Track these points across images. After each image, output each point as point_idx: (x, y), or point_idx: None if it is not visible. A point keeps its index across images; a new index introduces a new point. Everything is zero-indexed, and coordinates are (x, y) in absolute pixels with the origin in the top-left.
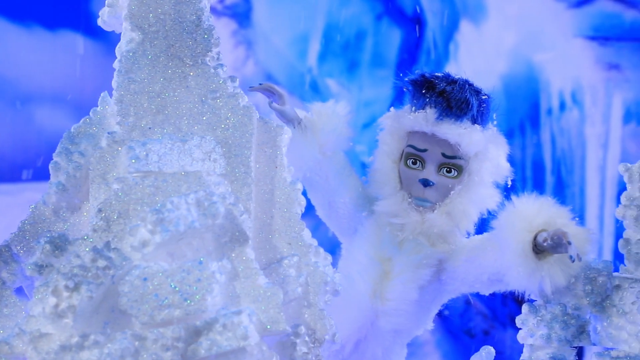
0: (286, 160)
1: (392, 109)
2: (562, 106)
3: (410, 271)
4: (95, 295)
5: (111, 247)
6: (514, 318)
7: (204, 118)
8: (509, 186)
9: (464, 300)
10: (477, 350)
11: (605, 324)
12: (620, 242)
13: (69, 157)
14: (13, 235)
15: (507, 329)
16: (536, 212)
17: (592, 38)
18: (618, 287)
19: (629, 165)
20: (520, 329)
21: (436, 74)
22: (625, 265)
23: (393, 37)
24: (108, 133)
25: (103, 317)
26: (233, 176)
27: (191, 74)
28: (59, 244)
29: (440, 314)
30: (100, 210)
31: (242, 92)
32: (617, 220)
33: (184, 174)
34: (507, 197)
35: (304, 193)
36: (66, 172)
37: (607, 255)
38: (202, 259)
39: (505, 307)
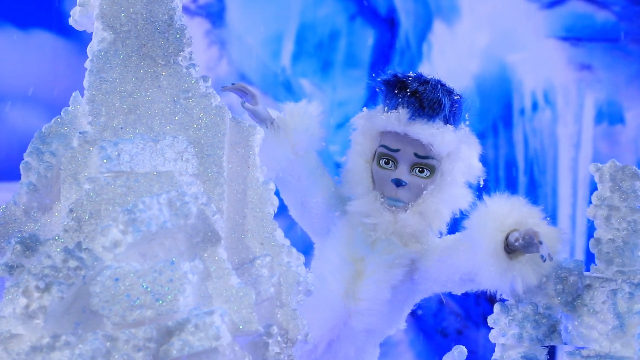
0: (259, 160)
1: (364, 109)
2: (535, 106)
3: (383, 271)
4: (67, 295)
5: (82, 248)
6: (487, 317)
7: (176, 118)
8: (481, 186)
9: (438, 300)
10: (450, 349)
11: (576, 323)
12: (591, 241)
13: (40, 157)
14: None
15: (480, 328)
16: (508, 212)
17: (564, 38)
18: (589, 286)
19: (599, 165)
20: (492, 328)
21: (409, 74)
22: (596, 265)
23: (367, 38)
24: (79, 133)
25: (74, 318)
26: (205, 176)
27: (163, 73)
28: (30, 245)
29: (413, 314)
30: (71, 211)
31: (214, 92)
32: (589, 220)
33: (156, 174)
34: (480, 197)
35: (277, 193)
36: (37, 172)
37: (579, 255)
38: (174, 259)
39: (479, 306)
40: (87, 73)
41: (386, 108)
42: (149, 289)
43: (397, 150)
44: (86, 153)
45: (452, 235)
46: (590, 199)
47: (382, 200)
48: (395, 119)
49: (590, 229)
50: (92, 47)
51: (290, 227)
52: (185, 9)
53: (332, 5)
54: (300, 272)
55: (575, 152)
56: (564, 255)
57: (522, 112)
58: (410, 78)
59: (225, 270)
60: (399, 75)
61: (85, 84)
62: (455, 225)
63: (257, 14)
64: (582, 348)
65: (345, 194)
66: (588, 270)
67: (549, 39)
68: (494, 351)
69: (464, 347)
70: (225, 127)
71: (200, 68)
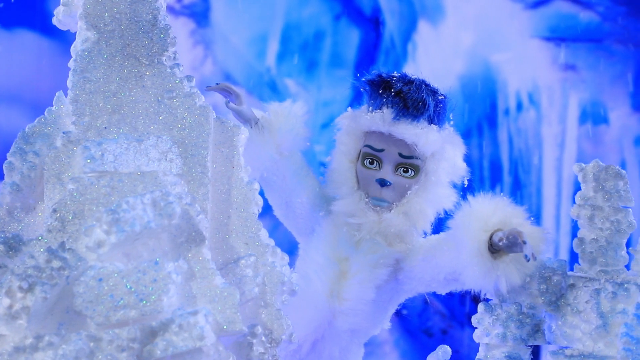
0: (243, 160)
1: (349, 109)
2: (519, 106)
3: (367, 271)
4: (50, 296)
5: (66, 248)
6: (472, 317)
7: (160, 118)
8: (465, 186)
9: (422, 299)
10: (435, 349)
11: (559, 322)
12: (575, 241)
13: (24, 157)
14: None
15: (465, 328)
16: (492, 211)
17: (549, 39)
18: (572, 286)
19: (583, 165)
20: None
21: (393, 74)
22: (579, 265)
23: (351, 37)
24: (63, 133)
25: (58, 318)
26: (190, 176)
27: (147, 73)
28: (13, 245)
29: (398, 314)
30: (55, 211)
31: (198, 91)
32: (573, 220)
33: (140, 174)
34: (464, 197)
35: (261, 193)
36: (20, 172)
37: (564, 255)
38: (158, 260)
39: (463, 306)
40: (70, 73)
41: (371, 108)
42: (132, 289)
43: (381, 150)
44: (70, 153)
45: (437, 235)
46: (574, 198)
47: (367, 200)
48: (379, 118)
49: (575, 228)
50: (76, 47)
51: (274, 227)
52: (170, 9)
53: (317, 5)
54: (284, 272)
55: (560, 152)
56: (548, 255)
57: (506, 112)
58: (394, 78)
59: (210, 270)
60: (384, 75)
61: (69, 83)
62: (439, 225)
63: (242, 13)
64: (566, 347)
65: (330, 194)
66: (572, 269)
67: (533, 39)
68: (478, 351)
69: (448, 346)
70: (210, 127)
71: (185, 68)
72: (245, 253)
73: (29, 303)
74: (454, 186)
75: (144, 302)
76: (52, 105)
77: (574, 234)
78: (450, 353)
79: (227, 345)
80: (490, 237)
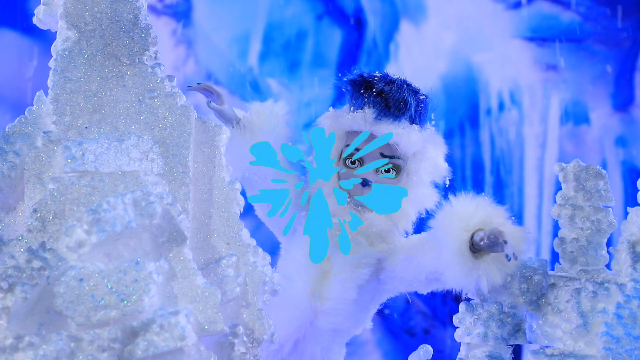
0: (224, 160)
1: (331, 108)
2: (501, 106)
3: (349, 270)
4: (30, 296)
5: (46, 248)
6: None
7: (142, 117)
8: (447, 186)
9: (404, 299)
10: (417, 349)
11: (540, 322)
12: (556, 241)
13: (4, 156)
14: None
15: (447, 327)
16: (473, 211)
17: (530, 39)
18: (553, 285)
19: (563, 165)
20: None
21: (374, 73)
22: (560, 264)
23: (334, 37)
24: (44, 132)
25: (38, 319)
26: (171, 176)
27: (128, 73)
28: None
29: (380, 313)
30: (35, 211)
31: (179, 91)
32: (554, 220)
33: (121, 173)
34: (446, 196)
35: (243, 193)
36: (1, 172)
37: (545, 254)
38: (139, 260)
39: (446, 305)
40: (51, 72)
41: (352, 108)
42: (113, 289)
43: None
44: (50, 153)
45: (418, 235)
46: (555, 198)
47: (349, 200)
48: (361, 118)
49: (556, 228)
50: (57, 46)
51: (256, 227)
52: (152, 8)
53: (299, 5)
54: (266, 271)
55: (541, 152)
56: (529, 254)
57: (488, 112)
58: (376, 78)
59: (191, 270)
60: (365, 75)
61: (50, 83)
62: (421, 225)
63: (224, 13)
64: (547, 347)
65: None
66: (553, 269)
67: (515, 39)
68: (460, 350)
69: (429, 346)
70: (191, 126)
71: (167, 67)
72: (227, 253)
73: (9, 303)
74: (436, 186)
75: (125, 302)
76: (33, 105)
77: (555, 234)
78: (432, 352)
79: (208, 345)
80: (472, 237)
